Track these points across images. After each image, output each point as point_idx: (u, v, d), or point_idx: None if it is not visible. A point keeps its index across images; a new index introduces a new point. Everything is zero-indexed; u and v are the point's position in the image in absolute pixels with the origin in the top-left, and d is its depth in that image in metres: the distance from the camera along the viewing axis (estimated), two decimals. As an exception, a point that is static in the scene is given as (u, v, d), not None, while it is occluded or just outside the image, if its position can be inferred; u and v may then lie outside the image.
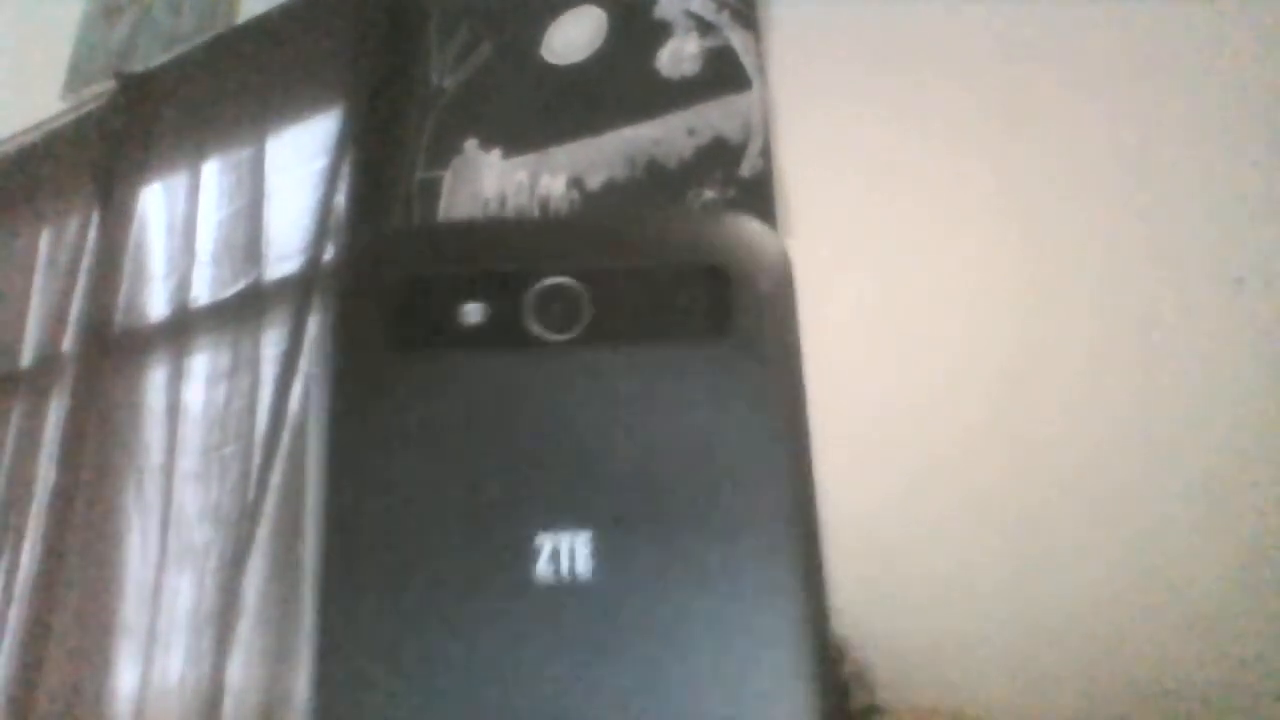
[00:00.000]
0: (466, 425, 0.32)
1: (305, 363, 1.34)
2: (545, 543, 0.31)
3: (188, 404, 1.46)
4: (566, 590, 0.30)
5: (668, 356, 0.33)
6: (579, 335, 0.33)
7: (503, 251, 0.35)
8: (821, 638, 0.30)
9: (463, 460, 0.31)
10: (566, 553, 0.31)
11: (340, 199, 1.40)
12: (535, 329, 0.33)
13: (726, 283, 0.33)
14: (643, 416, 0.32)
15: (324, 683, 0.30)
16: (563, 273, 0.33)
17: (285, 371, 1.34)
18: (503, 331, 0.33)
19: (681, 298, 0.33)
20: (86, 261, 1.69)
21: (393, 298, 0.33)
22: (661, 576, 0.31)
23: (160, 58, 1.79)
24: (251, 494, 1.31)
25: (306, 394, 1.32)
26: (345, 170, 1.41)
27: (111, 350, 1.58)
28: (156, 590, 1.37)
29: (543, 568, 0.30)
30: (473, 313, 0.33)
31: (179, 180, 1.63)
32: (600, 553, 0.31)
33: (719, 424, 0.32)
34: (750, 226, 0.35)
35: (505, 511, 0.31)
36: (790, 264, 0.34)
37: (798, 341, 0.33)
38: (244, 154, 1.56)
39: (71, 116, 1.86)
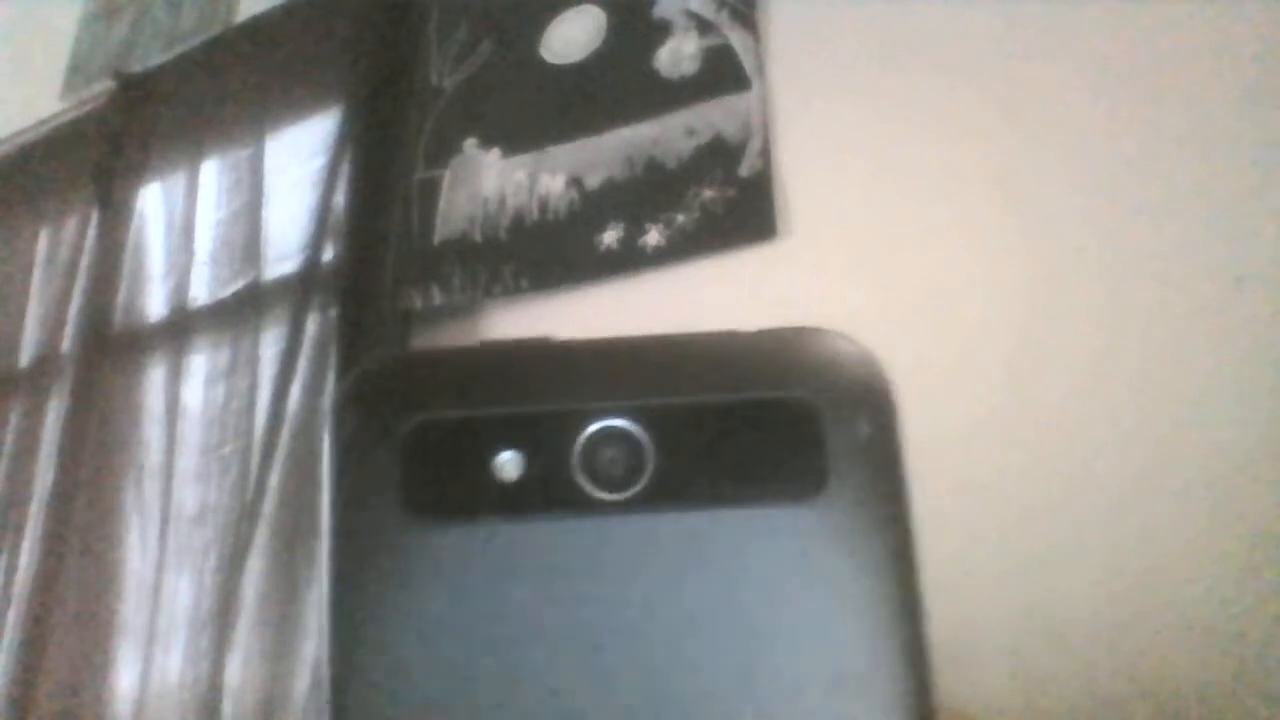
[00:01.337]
0: (502, 613, 0.25)
1: (304, 362, 1.34)
2: None
3: (186, 404, 1.46)
4: None
5: (750, 521, 0.26)
6: (639, 494, 0.26)
7: (542, 386, 0.27)
8: None
9: (500, 659, 0.25)
10: None
11: (339, 199, 1.40)
12: (585, 486, 0.26)
13: (819, 423, 0.27)
14: (721, 600, 0.25)
15: None
16: (618, 413, 0.27)
17: (284, 371, 1.34)
18: (544, 489, 0.26)
19: (764, 443, 0.27)
20: (85, 261, 1.69)
21: (406, 448, 0.26)
22: None
23: (159, 57, 1.79)
24: (250, 494, 1.31)
25: (305, 393, 1.32)
26: (344, 170, 1.40)
27: (110, 350, 1.58)
28: (155, 590, 1.37)
29: None
30: (507, 465, 0.26)
31: (178, 180, 1.63)
32: None
33: (816, 609, 0.25)
34: (844, 347, 0.28)
35: None
36: (893, 393, 0.28)
37: (906, 494, 0.27)
38: (243, 154, 1.56)
39: (70, 116, 1.85)
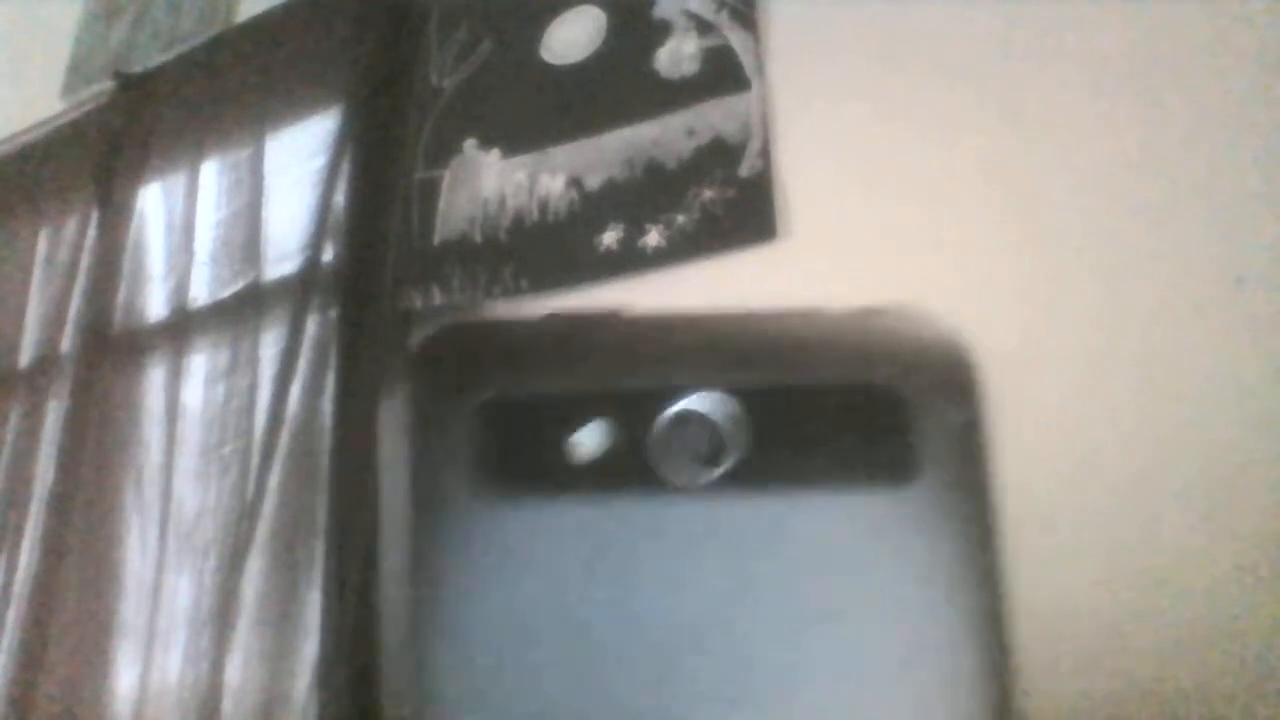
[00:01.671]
0: (578, 596, 0.24)
1: (304, 363, 1.34)
2: None
3: (186, 404, 1.46)
4: None
5: (836, 508, 0.25)
6: (721, 479, 0.25)
7: (621, 360, 0.26)
8: None
9: (575, 643, 0.24)
10: None
11: (339, 199, 1.40)
12: (664, 468, 0.25)
13: (911, 411, 0.26)
14: (804, 587, 0.25)
15: None
16: (699, 393, 0.26)
17: (284, 371, 1.34)
18: (622, 470, 0.25)
19: (853, 429, 0.26)
20: (85, 261, 1.69)
21: (479, 422, 0.25)
22: None
23: (159, 58, 1.79)
24: (250, 494, 1.31)
25: (305, 394, 1.32)
26: (344, 170, 1.40)
27: (110, 350, 1.58)
28: (155, 590, 1.37)
29: None
30: (583, 444, 0.25)
31: (178, 180, 1.63)
32: None
33: (903, 597, 0.25)
34: (933, 331, 0.28)
35: (635, 713, 0.24)
36: (982, 379, 0.28)
37: (994, 486, 0.26)
38: (243, 154, 1.56)
39: (71, 117, 1.85)
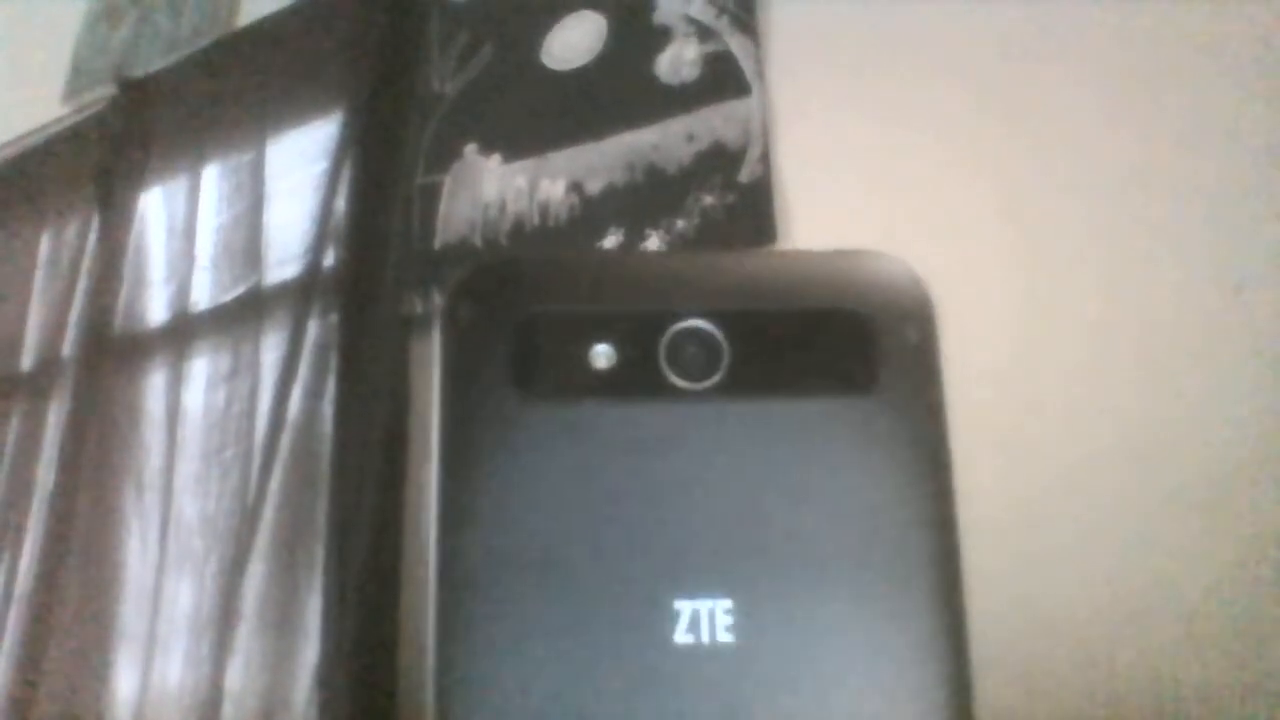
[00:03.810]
0: (596, 479, 0.30)
1: (305, 367, 1.34)
2: (684, 608, 0.29)
3: (187, 408, 1.46)
4: (707, 654, 0.29)
5: (810, 410, 0.31)
6: (716, 384, 0.31)
7: (634, 289, 0.32)
8: (965, 703, 0.31)
9: (593, 517, 0.30)
10: (707, 619, 0.29)
11: (340, 203, 1.40)
12: (670, 376, 0.31)
13: (873, 330, 0.31)
14: (783, 474, 0.30)
15: None
16: (699, 315, 0.31)
17: (285, 375, 1.34)
18: (635, 378, 0.31)
19: (825, 346, 0.32)
20: (86, 265, 1.69)
21: (517, 336, 0.31)
22: (805, 644, 0.29)
23: (160, 62, 1.79)
24: (251, 498, 1.31)
25: (306, 398, 1.32)
26: (345, 174, 1.41)
27: (111, 354, 1.58)
28: (156, 594, 1.37)
29: (682, 634, 0.29)
30: (603, 356, 0.31)
31: (179, 184, 1.63)
32: (742, 620, 0.29)
33: (864, 484, 0.30)
34: (894, 267, 0.33)
35: (640, 575, 0.29)
36: (934, 309, 0.32)
37: (943, 394, 0.31)
38: (244, 158, 1.56)
39: (72, 120, 1.86)
